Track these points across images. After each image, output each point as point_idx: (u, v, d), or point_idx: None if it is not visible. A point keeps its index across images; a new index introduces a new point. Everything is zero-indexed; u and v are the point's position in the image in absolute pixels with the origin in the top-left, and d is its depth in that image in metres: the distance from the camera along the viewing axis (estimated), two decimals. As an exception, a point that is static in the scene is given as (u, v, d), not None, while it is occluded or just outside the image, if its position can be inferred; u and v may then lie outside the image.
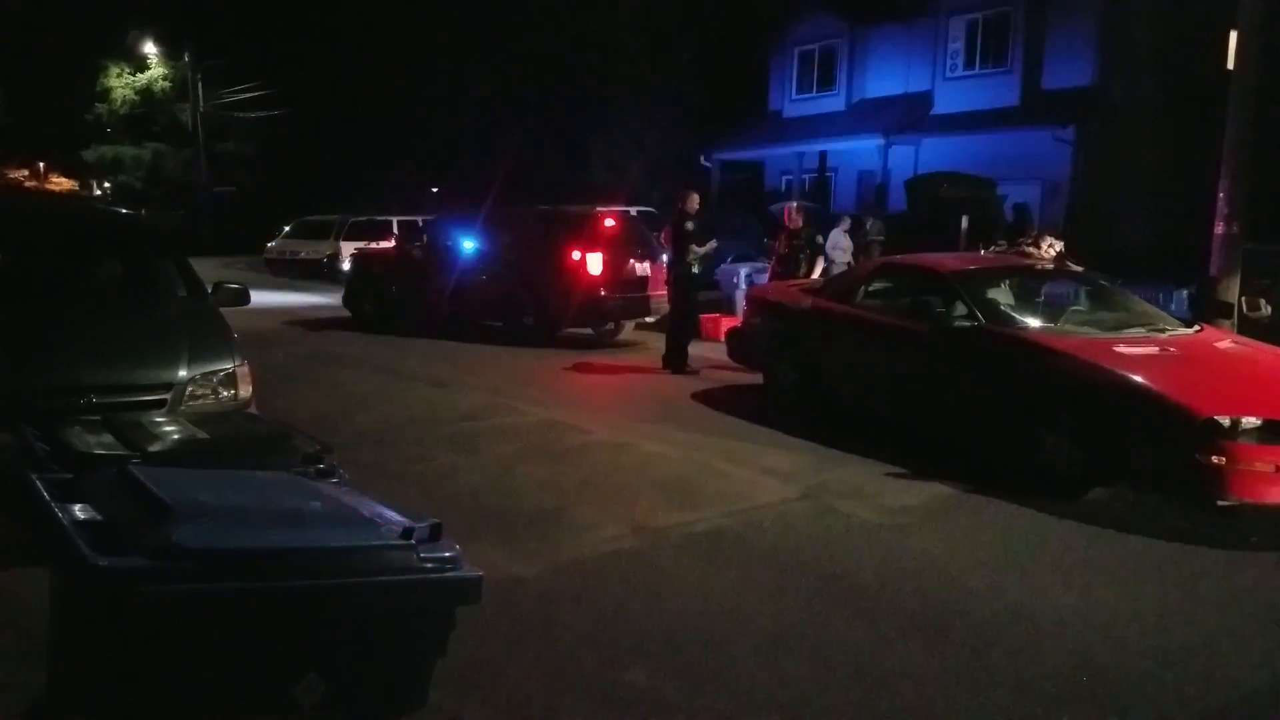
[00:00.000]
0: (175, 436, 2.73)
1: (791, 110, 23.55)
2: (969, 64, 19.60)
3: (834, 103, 22.48)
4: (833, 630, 3.69)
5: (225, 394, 4.61)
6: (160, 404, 4.34)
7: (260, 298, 17.17)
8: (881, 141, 20.14)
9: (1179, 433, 5.05)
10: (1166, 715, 3.18)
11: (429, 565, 2.14)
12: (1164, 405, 5.18)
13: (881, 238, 14.55)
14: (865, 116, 21.17)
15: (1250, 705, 3.30)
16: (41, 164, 37.62)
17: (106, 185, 35.34)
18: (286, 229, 23.66)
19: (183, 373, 4.47)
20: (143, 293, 5.34)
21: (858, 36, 22.01)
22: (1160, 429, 5.18)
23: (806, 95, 23.31)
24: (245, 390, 4.73)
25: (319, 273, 20.71)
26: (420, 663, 2.21)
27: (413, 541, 2.14)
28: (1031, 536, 4.87)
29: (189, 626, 1.89)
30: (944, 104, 19.75)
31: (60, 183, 37.76)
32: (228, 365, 4.69)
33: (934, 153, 19.25)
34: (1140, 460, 5.32)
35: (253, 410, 4.82)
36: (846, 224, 13.54)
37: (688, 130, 24.63)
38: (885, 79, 21.42)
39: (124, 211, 7.07)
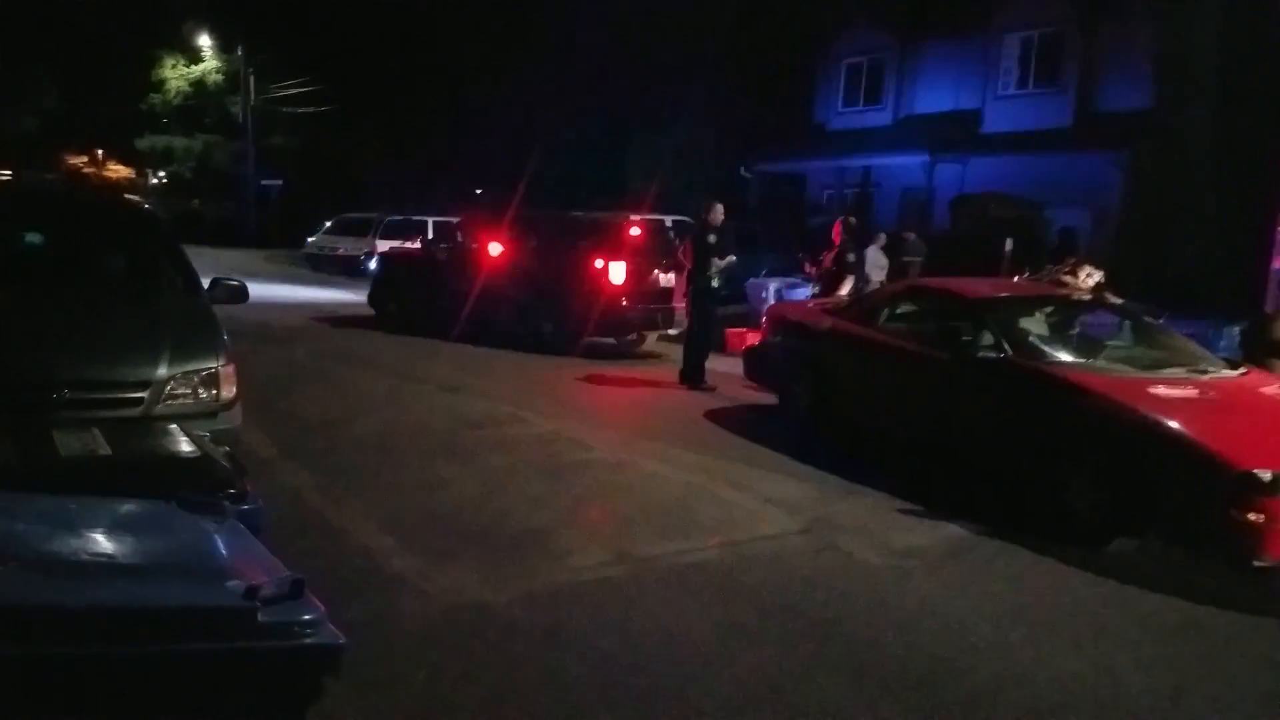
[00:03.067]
0: (78, 448, 2.53)
1: (836, 123, 23.16)
2: (1021, 83, 19.07)
3: (880, 117, 22.04)
4: (813, 684, 3.42)
5: (206, 394, 4.46)
6: (137, 402, 4.21)
7: (293, 292, 17.42)
8: (927, 158, 19.68)
9: (1214, 485, 4.69)
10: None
11: (275, 630, 1.88)
12: (1199, 455, 4.82)
13: (920, 257, 14.16)
14: (912, 132, 20.71)
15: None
16: (100, 151, 38.50)
17: (162, 175, 36.07)
18: (327, 225, 23.85)
19: (162, 370, 4.33)
20: (136, 286, 5.23)
21: (908, 51, 21.57)
22: (1193, 480, 4.82)
23: (853, 109, 22.90)
24: (228, 390, 4.58)
25: (356, 270, 20.79)
26: None
27: (255, 602, 1.88)
28: (1045, 589, 4.54)
29: None
30: (994, 123, 19.23)
31: (117, 170, 38.58)
32: (211, 365, 4.54)
33: (981, 172, 18.73)
34: (1170, 512, 4.97)
35: (237, 412, 4.68)
36: (882, 240, 13.18)
37: (729, 140, 24.34)
38: (934, 95, 20.95)
39: (134, 200, 6.97)
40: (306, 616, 1.94)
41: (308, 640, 1.91)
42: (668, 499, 5.57)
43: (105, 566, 1.90)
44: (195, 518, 2.30)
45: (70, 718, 1.73)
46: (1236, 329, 10.09)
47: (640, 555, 4.59)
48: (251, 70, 30.78)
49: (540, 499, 5.40)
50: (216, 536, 2.21)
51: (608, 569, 4.40)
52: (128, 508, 2.24)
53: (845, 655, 3.67)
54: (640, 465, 6.26)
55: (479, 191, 27.52)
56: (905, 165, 20.29)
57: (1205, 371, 6.01)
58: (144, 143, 33.36)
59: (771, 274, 13.79)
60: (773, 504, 5.58)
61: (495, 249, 11.78)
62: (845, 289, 9.84)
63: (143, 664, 1.78)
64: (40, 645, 1.67)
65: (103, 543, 2.00)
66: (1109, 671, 3.69)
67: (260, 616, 1.88)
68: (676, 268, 10.52)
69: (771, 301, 11.58)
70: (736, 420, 7.87)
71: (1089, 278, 9.11)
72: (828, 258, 10.42)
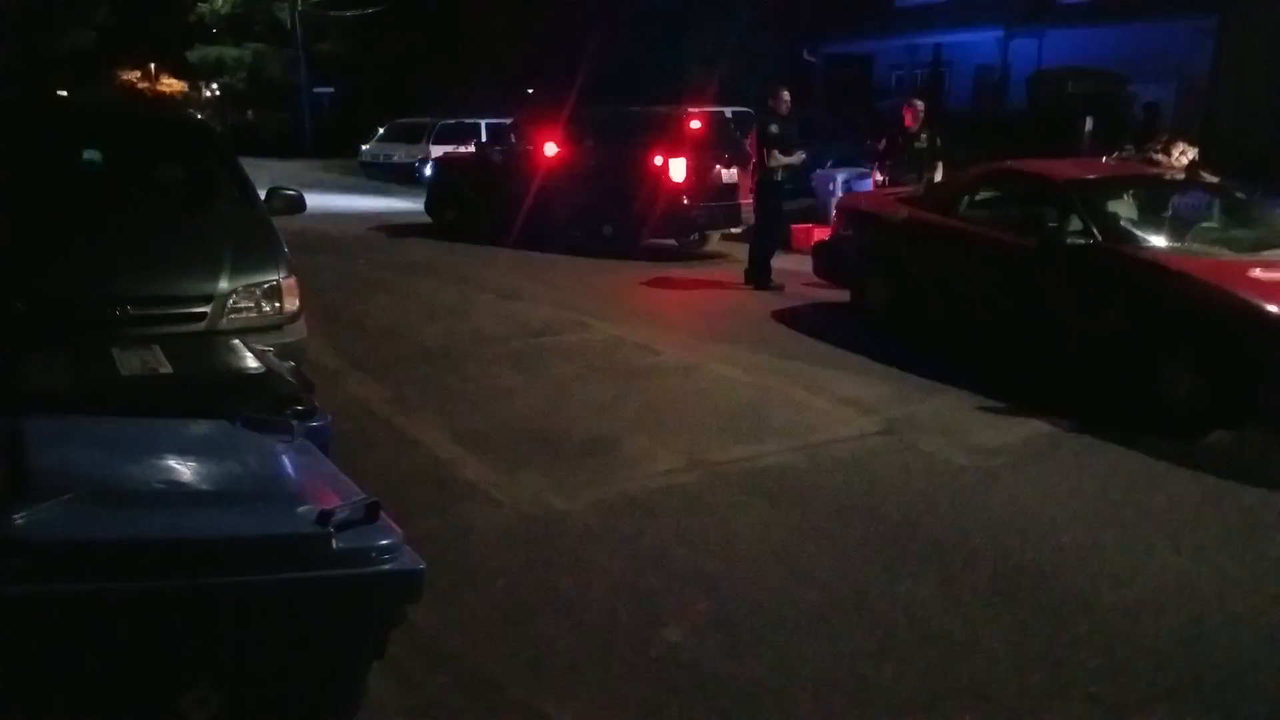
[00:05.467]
0: (138, 366, 2.45)
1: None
2: (1104, -55, 17.62)
3: (950, -9, 20.70)
4: (899, 590, 3.32)
5: (269, 307, 4.43)
6: (199, 317, 4.19)
7: (351, 202, 17.42)
8: (1001, 33, 18.51)
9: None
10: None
11: (351, 556, 1.80)
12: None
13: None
14: (984, 5, 19.43)
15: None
16: (152, 65, 38.55)
17: (214, 87, 36.04)
18: (380, 132, 23.65)
19: (224, 284, 4.29)
20: (194, 201, 5.17)
21: (979, -86, 20.05)
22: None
23: (920, -18, 21.53)
24: (291, 303, 4.54)
25: (411, 177, 20.66)
26: (345, 669, 1.91)
27: (329, 528, 1.79)
28: (1139, 485, 4.34)
29: (22, 635, 1.59)
30: (1072, -9, 17.91)
31: (171, 84, 38.69)
32: (273, 277, 4.50)
33: (1059, 46, 17.55)
34: (1272, 401, 4.69)
35: (301, 325, 4.66)
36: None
37: (792, 21, 23.14)
38: (1008, -37, 19.52)
39: (189, 113, 6.90)
40: (383, 541, 1.86)
41: (385, 566, 1.84)
42: (738, 402, 5.44)
43: (168, 495, 1.84)
44: (262, 437, 2.23)
45: (139, 658, 1.70)
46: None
47: (713, 460, 4.50)
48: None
49: (608, 406, 5.33)
50: (285, 457, 2.14)
51: (680, 475, 4.32)
52: (191, 429, 2.17)
53: (931, 560, 3.55)
54: (708, 369, 6.13)
55: (530, 91, 26.89)
56: (978, 41, 19.12)
57: (1308, 253, 5.60)
58: (195, 54, 33.21)
59: (839, 164, 13.22)
60: (848, 405, 5.42)
61: (551, 149, 11.48)
62: (938, 176, 9.23)
63: (213, 598, 1.72)
64: (102, 582, 1.61)
65: (165, 469, 1.94)
66: (1211, 569, 3.52)
67: (335, 543, 1.81)
68: (743, 162, 10.08)
69: (840, 194, 11.11)
70: (806, 320, 7.64)
71: (1183, 155, 8.49)
72: (894, 143, 9.80)
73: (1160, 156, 8.39)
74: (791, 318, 7.74)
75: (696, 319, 8.00)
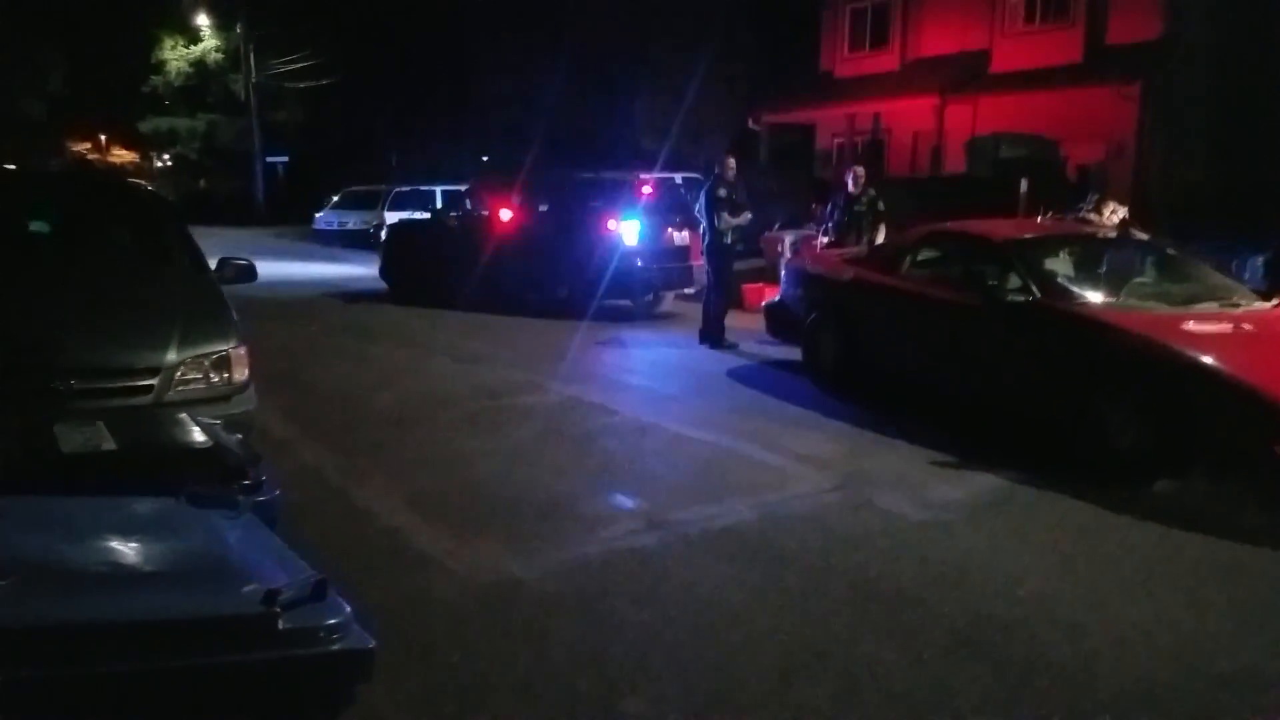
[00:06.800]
0: (80, 442, 2.40)
1: (843, 70, 22.63)
2: (1029, 18, 18.52)
3: (887, 61, 21.53)
4: (860, 648, 3.31)
5: (218, 378, 4.36)
6: (146, 389, 4.11)
7: (305, 269, 17.30)
8: (937, 100, 19.24)
9: (1254, 421, 4.60)
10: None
11: (298, 637, 1.75)
12: (1238, 390, 4.72)
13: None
14: (920, 75, 20.23)
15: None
16: (103, 136, 38.29)
17: (166, 157, 35.88)
18: (334, 199, 23.68)
19: (172, 355, 4.23)
20: (143, 271, 5.11)
21: (913, -9, 20.99)
22: (1234, 416, 4.73)
23: (859, 53, 22.38)
24: (241, 374, 4.48)
25: (366, 243, 20.64)
26: None
27: (275, 608, 1.74)
28: (1090, 535, 4.41)
29: None
30: (1003, 61, 18.71)
31: (121, 155, 38.44)
32: (222, 347, 4.44)
33: (992, 112, 18.29)
34: (1212, 449, 4.85)
35: (251, 394, 4.59)
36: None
37: (737, 93, 23.89)
38: (940, 35, 20.42)
39: (138, 183, 6.85)
40: (331, 620, 1.81)
41: (334, 646, 1.79)
42: (696, 462, 5.46)
43: (110, 577, 1.78)
44: (206, 514, 2.17)
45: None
46: (1260, 259, 9.82)
47: (671, 521, 4.48)
48: (252, 46, 30.39)
49: (565, 468, 5.30)
50: (230, 535, 2.08)
51: (639, 537, 4.29)
52: (133, 508, 2.11)
53: (891, 616, 3.56)
54: (665, 428, 6.15)
55: (485, 159, 27.20)
56: (915, 109, 19.84)
57: (1237, 304, 5.86)
58: (147, 125, 33.17)
59: (785, 227, 13.53)
60: (804, 461, 5.46)
61: (506, 214, 11.60)
62: (880, 237, 9.50)
63: (155, 682, 1.66)
64: (40, 668, 1.54)
65: (107, 550, 1.88)
66: (1163, 618, 3.57)
67: (281, 623, 1.76)
68: (693, 225, 10.29)
69: (788, 255, 11.34)
70: (760, 377, 7.73)
71: (1114, 214, 8.85)
72: (817, 209, 10.11)
73: (1092, 215, 8.73)
74: (745, 376, 7.82)
75: (652, 378, 8.04)
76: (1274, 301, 6.00)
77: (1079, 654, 3.29)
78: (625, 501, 4.74)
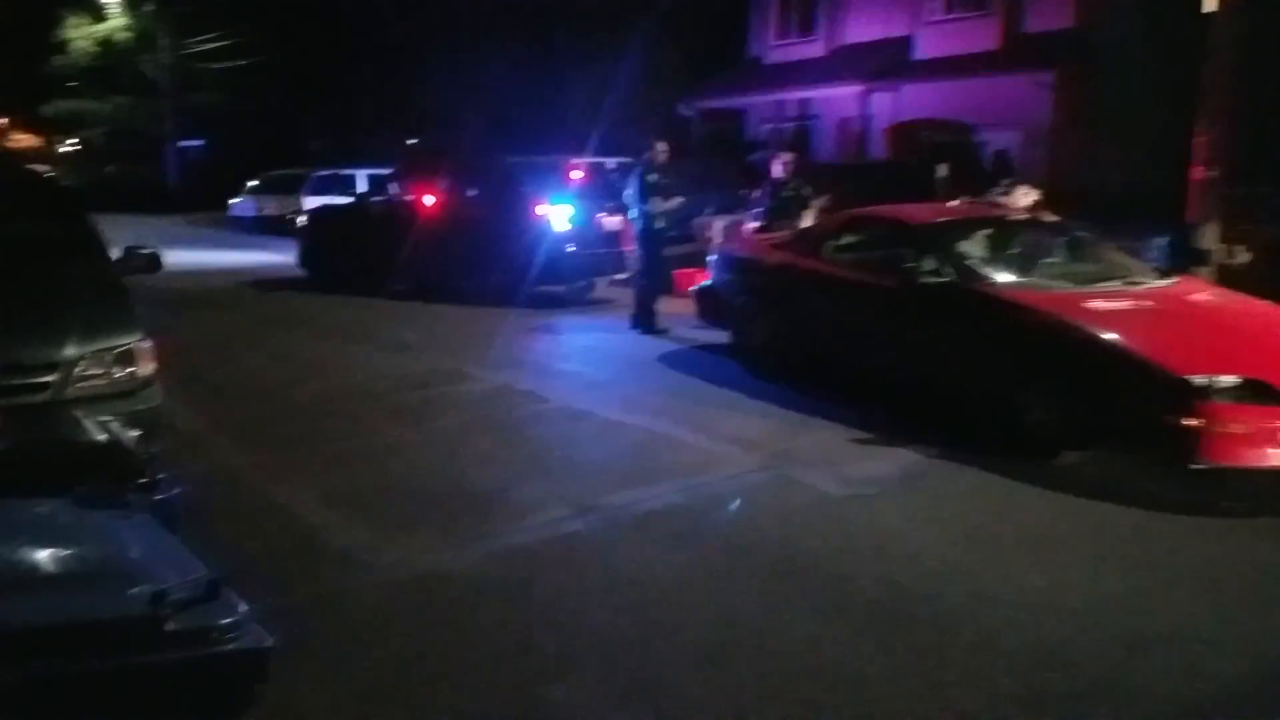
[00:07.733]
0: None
1: (772, 57, 22.89)
2: (949, 7, 18.97)
3: (814, 48, 21.84)
4: (789, 624, 3.41)
5: (121, 373, 4.22)
6: (44, 386, 3.96)
7: (219, 257, 16.80)
8: (861, 88, 19.59)
9: (1151, 393, 4.80)
10: (1138, 716, 2.92)
11: (187, 638, 1.71)
12: (1136, 364, 4.94)
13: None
14: (845, 62, 20.56)
15: (1229, 700, 3.04)
16: (3, 120, 36.45)
17: (72, 141, 34.30)
18: (251, 184, 22.98)
19: (71, 350, 4.08)
20: (40, 263, 4.88)
21: (838, -22, 21.29)
22: (1132, 389, 4.93)
23: (787, 41, 22.65)
24: (145, 367, 4.34)
25: (283, 230, 20.10)
26: None
27: (161, 609, 1.70)
28: (1000, 507, 4.60)
29: None
30: (924, 49, 19.14)
31: (22, 139, 36.62)
32: (125, 341, 4.29)
33: (914, 99, 18.72)
34: (1113, 422, 5.07)
35: (156, 390, 4.44)
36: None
37: (668, 78, 23.90)
38: (865, 24, 20.79)
39: (36, 170, 6.54)
40: (225, 620, 1.77)
41: (228, 646, 1.75)
42: (625, 446, 5.51)
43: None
44: (96, 514, 2.10)
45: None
46: (1164, 239, 10.27)
47: (600, 506, 4.52)
48: (166, 25, 29.17)
49: (495, 457, 5.29)
50: (119, 535, 2.01)
51: (569, 523, 4.32)
52: (20, 509, 2.03)
53: (817, 591, 3.66)
54: (596, 414, 6.18)
55: (411, 142, 26.69)
56: (841, 96, 20.18)
57: (1139, 283, 6.12)
58: (50, 108, 31.60)
59: (717, 212, 13.63)
60: (732, 443, 5.55)
61: (431, 199, 11.42)
62: (806, 223, 9.64)
63: (35, 690, 1.60)
64: None
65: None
66: (1067, 584, 3.75)
67: (168, 625, 1.72)
68: (624, 210, 10.30)
69: (719, 240, 11.44)
70: (691, 362, 7.81)
71: (1025, 197, 9.13)
72: (767, 193, 10.24)
73: (1003, 199, 8.99)
74: (676, 360, 7.89)
75: (583, 365, 8.05)
76: (1172, 279, 6.30)
77: (988, 622, 3.44)
78: (554, 489, 4.75)
